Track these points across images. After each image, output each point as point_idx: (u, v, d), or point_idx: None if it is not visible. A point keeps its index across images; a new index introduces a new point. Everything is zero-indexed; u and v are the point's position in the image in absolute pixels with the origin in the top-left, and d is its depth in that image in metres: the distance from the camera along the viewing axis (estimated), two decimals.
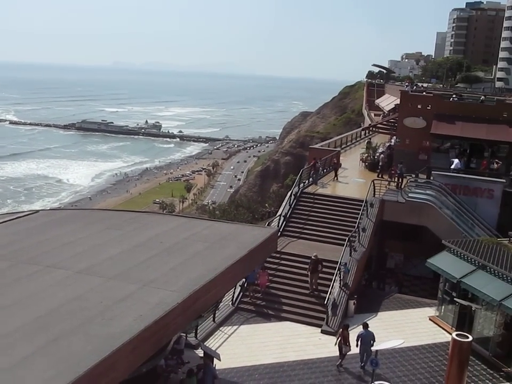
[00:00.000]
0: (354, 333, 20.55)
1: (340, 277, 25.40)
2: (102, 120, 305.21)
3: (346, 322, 21.76)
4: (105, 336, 9.05)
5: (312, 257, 25.70)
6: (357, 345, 19.82)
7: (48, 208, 72.06)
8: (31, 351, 8.52)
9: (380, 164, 39.97)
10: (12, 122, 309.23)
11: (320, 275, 25.68)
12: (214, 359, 17.54)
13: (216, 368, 17.42)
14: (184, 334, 20.05)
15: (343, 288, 25.35)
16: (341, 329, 20.62)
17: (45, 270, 12.22)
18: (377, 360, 18.14)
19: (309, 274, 25.77)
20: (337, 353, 20.20)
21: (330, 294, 24.29)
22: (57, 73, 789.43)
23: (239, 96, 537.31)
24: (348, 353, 20.07)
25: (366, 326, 19.98)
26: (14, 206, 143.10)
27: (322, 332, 23.22)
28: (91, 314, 9.95)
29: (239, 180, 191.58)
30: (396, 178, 35.59)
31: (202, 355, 17.88)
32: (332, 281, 24.93)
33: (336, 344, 20.23)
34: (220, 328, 23.16)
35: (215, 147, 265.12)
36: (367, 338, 19.50)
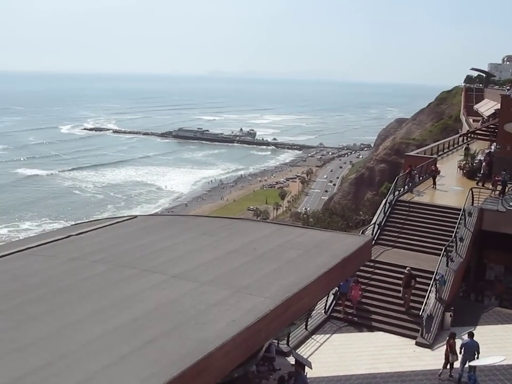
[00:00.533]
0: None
1: (436, 288, 24.65)
2: (198, 128, 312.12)
3: (453, 331, 21.09)
4: (198, 340, 9.17)
5: (405, 272, 25.04)
6: (460, 353, 19.18)
7: (146, 214, 74.23)
8: (128, 351, 8.77)
9: (481, 171, 38.59)
10: (114, 131, 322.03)
11: (416, 285, 25.04)
12: (306, 367, 17.42)
13: (308, 376, 17.30)
14: (276, 341, 20.06)
15: (439, 299, 24.59)
16: (448, 338, 20.01)
17: (141, 273, 12.56)
18: (476, 377, 17.46)
19: (402, 289, 25.16)
20: (433, 367, 19.61)
21: (425, 305, 23.64)
22: (155, 83, 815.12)
23: (333, 103, 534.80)
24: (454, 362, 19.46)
25: (471, 335, 19.27)
26: (114, 211, 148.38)
27: (417, 344, 22.62)
28: (185, 318, 10.12)
29: (334, 184, 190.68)
30: (499, 187, 34.25)
31: (293, 362, 17.81)
32: (428, 292, 24.26)
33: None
34: (312, 336, 23.03)
35: (309, 154, 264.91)
36: (471, 348, 18.78)
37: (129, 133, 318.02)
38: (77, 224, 26.47)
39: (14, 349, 8.89)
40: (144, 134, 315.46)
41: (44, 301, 11.08)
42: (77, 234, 16.64)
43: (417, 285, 24.91)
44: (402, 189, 35.66)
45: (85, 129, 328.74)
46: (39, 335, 9.44)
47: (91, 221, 22.51)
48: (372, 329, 24.12)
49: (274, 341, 19.31)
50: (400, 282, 25.38)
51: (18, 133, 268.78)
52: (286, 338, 21.52)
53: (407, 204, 33.45)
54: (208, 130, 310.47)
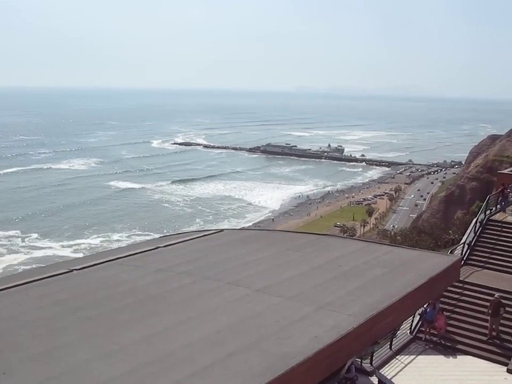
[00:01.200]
0: None
1: None
2: (286, 144, 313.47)
3: None
4: (280, 355, 9.17)
5: (493, 299, 23.89)
6: None
7: (233, 228, 75.15)
8: (210, 362, 8.89)
9: None
10: (204, 146, 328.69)
11: (508, 308, 23.95)
12: None
13: None
14: (359, 360, 19.75)
15: None
16: None
17: (226, 286, 12.72)
18: None
19: (489, 318, 23.99)
20: None
21: None
22: (244, 99, 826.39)
23: (424, 119, 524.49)
24: None
25: None
26: (202, 224, 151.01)
27: (508, 371, 21.57)
28: (267, 333, 10.15)
29: (424, 199, 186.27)
30: None
31: (377, 382, 17.47)
32: None
33: None
34: (397, 357, 22.49)
35: (397, 171, 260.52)
36: None
37: (218, 147, 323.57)
38: (165, 236, 27.15)
39: (102, 354, 9.24)
40: (233, 148, 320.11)
41: (131, 310, 11.44)
42: (164, 246, 17.10)
43: (509, 308, 23.87)
44: (494, 208, 34.34)
45: (175, 143, 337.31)
46: (126, 342, 9.75)
47: (179, 234, 23.04)
48: (459, 352, 23.22)
49: (357, 359, 19.02)
50: (486, 311, 24.25)
51: (112, 147, 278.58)
52: (369, 357, 21.13)
53: (500, 224, 32.17)
54: (296, 146, 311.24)
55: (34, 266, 46.26)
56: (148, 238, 57.44)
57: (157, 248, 16.73)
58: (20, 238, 52.51)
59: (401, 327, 24.23)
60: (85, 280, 13.80)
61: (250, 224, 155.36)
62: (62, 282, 13.61)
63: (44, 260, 47.02)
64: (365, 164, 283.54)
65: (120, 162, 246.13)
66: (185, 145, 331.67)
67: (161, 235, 50.03)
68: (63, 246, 51.54)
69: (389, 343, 22.93)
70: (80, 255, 50.05)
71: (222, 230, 19.75)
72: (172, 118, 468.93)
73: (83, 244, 53.06)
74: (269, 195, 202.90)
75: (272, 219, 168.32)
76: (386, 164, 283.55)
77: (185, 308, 11.56)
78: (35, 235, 53.70)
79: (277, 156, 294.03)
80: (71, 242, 52.99)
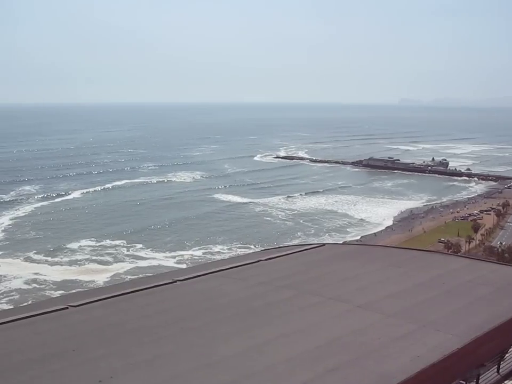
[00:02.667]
0: None
1: None
2: (388, 157, 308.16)
3: None
4: (380, 373, 9.03)
5: None
6: None
7: (334, 243, 74.61)
8: (310, 377, 8.88)
9: None
10: (306, 160, 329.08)
11: None
12: None
13: None
14: (464, 382, 19.01)
15: None
16: None
17: (326, 301, 12.67)
18: None
19: None
20: None
21: None
22: (345, 112, 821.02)
23: None
24: None
25: None
26: (303, 238, 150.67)
27: None
28: (368, 350, 10.02)
29: None
30: None
31: None
32: None
33: None
34: (505, 382, 21.44)
35: (505, 186, 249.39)
36: None
37: (321, 161, 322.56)
38: (266, 249, 27.38)
39: (204, 364, 9.44)
40: (335, 162, 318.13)
41: (233, 322, 11.63)
42: (266, 260, 17.25)
43: None
44: None
45: (277, 157, 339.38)
46: (227, 354, 9.92)
47: (280, 247, 23.18)
48: None
49: (461, 381, 18.32)
50: None
51: (216, 161, 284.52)
52: (474, 381, 20.26)
53: None
54: (399, 160, 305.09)
55: (140, 275, 47.95)
56: (249, 251, 58.29)
57: (258, 261, 16.91)
58: (125, 248, 55.16)
59: (510, 349, 23.10)
60: (188, 291, 14.16)
61: (352, 238, 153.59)
62: (166, 293, 14.04)
63: (148, 270, 48.74)
64: (471, 178, 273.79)
65: (224, 176, 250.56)
66: (288, 159, 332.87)
67: (263, 248, 50.70)
68: (166, 257, 53.51)
69: (496, 366, 21.90)
70: (183, 266, 51.40)
71: (323, 245, 19.69)
72: (274, 132, 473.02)
73: (186, 255, 54.86)
74: (371, 210, 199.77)
75: (375, 234, 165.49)
76: (493, 178, 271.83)
77: (285, 322, 11.61)
78: (139, 245, 56.16)
79: (380, 170, 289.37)
80: (174, 253, 54.95)
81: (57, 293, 42.86)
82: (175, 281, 14.75)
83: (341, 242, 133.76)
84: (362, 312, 11.98)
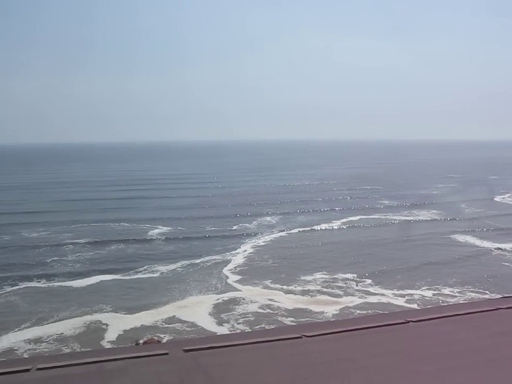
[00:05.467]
0: None
1: None
2: None
3: None
4: None
5: None
6: None
7: None
8: None
9: None
10: None
11: None
12: None
13: None
14: None
15: None
16: None
17: None
18: None
19: None
20: None
21: None
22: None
23: None
24: None
25: None
26: None
27: None
28: None
29: None
30: None
31: None
32: None
33: None
34: None
35: None
36: None
37: None
38: (506, 297, 25.67)
39: None
40: None
41: (470, 371, 11.12)
42: (506, 308, 16.24)
43: None
44: None
45: None
46: None
47: None
48: None
49: None
50: None
51: (454, 202, 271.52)
52: None
53: None
54: None
55: (369, 311, 47.74)
56: (485, 296, 54.97)
57: (497, 309, 16.02)
58: (355, 282, 55.21)
59: None
60: (421, 333, 13.89)
61: None
62: (399, 333, 13.93)
63: (377, 306, 48.27)
64: None
65: (463, 217, 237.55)
66: None
67: (500, 296, 47.62)
68: (395, 295, 52.42)
69: None
70: (414, 306, 50.07)
71: None
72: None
73: (415, 294, 53.15)
74: None
75: None
76: None
77: None
78: (369, 281, 55.91)
79: None
80: (403, 292, 53.61)
81: (288, 320, 44.43)
82: (408, 322, 14.56)
83: None
84: None
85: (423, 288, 55.18)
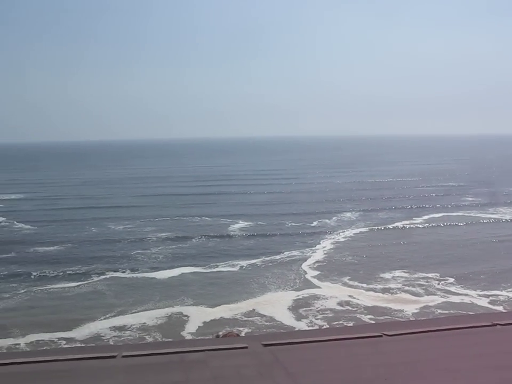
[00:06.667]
0: None
1: None
2: None
3: None
4: None
5: None
6: None
7: None
8: None
9: None
10: None
11: None
12: None
13: None
14: None
15: None
16: None
17: None
18: None
19: None
20: None
21: None
22: None
23: None
24: None
25: None
26: None
27: None
28: None
29: None
30: None
31: None
32: None
33: None
34: None
35: None
36: None
37: None
38: None
39: None
40: None
41: None
42: None
43: None
44: None
45: None
46: None
47: None
48: None
49: None
50: None
51: None
52: None
53: None
54: None
55: (451, 311, 46.50)
56: None
57: None
58: (437, 281, 53.76)
59: None
60: (510, 337, 13.38)
61: None
62: (485, 335, 13.48)
63: (459, 307, 46.84)
64: None
65: None
66: None
67: None
68: (479, 295, 50.53)
69: None
70: (500, 308, 48.24)
71: None
72: None
73: (500, 295, 50.93)
74: None
75: None
76: None
77: None
78: (451, 280, 54.14)
79: None
80: (488, 293, 51.56)
81: (367, 317, 43.93)
82: (495, 325, 14.04)
83: None
84: None
85: (510, 289, 53.09)
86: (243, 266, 62.01)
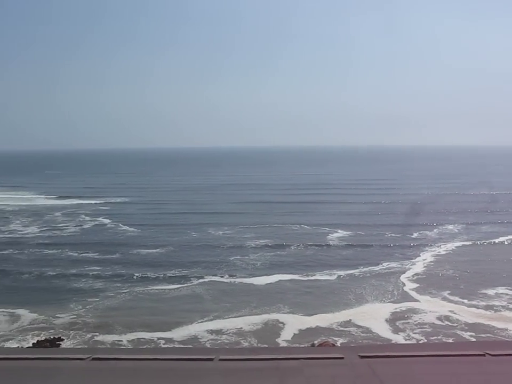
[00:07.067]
0: None
1: None
2: None
3: None
4: None
5: None
6: None
7: None
8: None
9: None
10: None
11: None
12: None
13: None
14: None
15: None
16: None
17: None
18: None
19: None
20: None
21: None
22: None
23: None
24: None
25: None
26: None
27: None
28: None
29: None
30: None
31: None
32: None
33: None
34: None
35: None
36: None
37: None
38: None
39: None
40: None
41: None
42: None
43: None
44: None
45: None
46: None
47: None
48: None
49: None
50: None
51: None
52: None
53: None
54: None
55: None
56: None
57: None
58: None
59: None
60: None
61: None
62: None
63: None
64: None
65: None
66: None
67: None
68: None
69: None
70: None
71: None
72: None
73: None
74: None
75: None
76: None
77: None
78: None
79: None
80: None
81: (468, 334, 42.53)
82: None
83: None
84: None
85: None
86: (341, 276, 61.60)
